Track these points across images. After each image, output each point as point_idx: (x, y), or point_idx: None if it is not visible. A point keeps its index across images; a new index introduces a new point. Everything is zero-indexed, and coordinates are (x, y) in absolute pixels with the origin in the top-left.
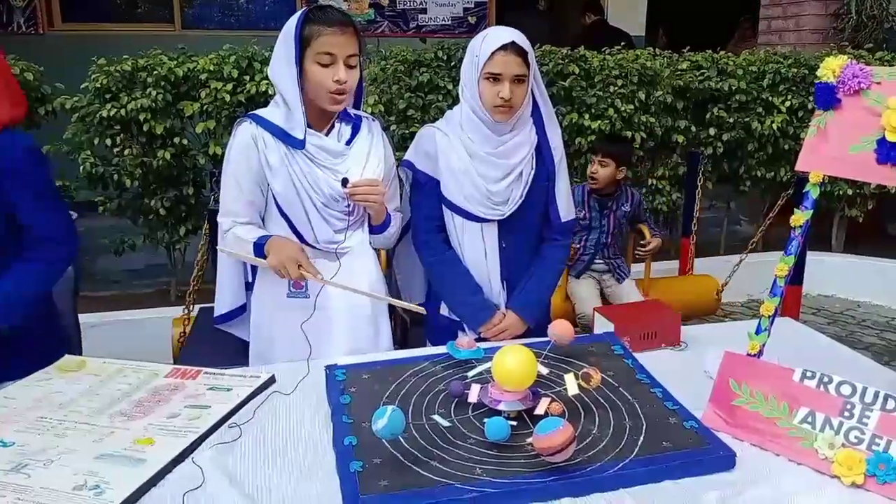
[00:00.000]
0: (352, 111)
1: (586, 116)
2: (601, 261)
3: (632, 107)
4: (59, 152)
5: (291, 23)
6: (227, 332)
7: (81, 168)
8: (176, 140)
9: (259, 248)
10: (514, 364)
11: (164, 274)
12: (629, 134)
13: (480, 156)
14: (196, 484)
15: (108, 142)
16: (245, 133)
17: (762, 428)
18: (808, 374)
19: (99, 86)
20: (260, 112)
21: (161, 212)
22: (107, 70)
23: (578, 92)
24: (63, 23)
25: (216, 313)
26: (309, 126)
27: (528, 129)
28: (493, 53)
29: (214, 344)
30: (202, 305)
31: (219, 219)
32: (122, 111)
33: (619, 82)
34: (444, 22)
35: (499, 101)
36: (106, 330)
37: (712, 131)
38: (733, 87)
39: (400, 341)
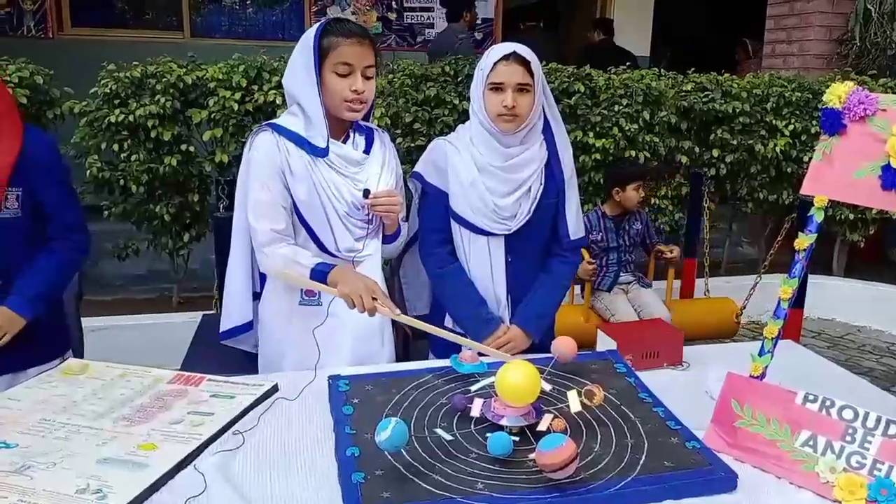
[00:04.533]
0: (363, 123)
1: (591, 135)
2: (626, 273)
3: (636, 126)
4: (66, 156)
5: (310, 33)
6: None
7: (88, 172)
8: (183, 147)
9: (321, 274)
10: (517, 379)
11: (166, 280)
12: (632, 153)
13: (489, 170)
14: (198, 491)
15: (116, 147)
16: (267, 142)
17: (764, 450)
18: (811, 397)
19: (108, 91)
20: (277, 121)
21: (166, 218)
22: (116, 76)
23: (583, 110)
24: (72, 27)
25: (222, 328)
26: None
27: (538, 145)
28: (495, 64)
29: (218, 350)
30: (205, 312)
31: (253, 224)
32: (130, 117)
33: (624, 101)
34: None
35: (502, 109)
36: (108, 334)
37: (716, 152)
38: (737, 110)
39: (401, 354)
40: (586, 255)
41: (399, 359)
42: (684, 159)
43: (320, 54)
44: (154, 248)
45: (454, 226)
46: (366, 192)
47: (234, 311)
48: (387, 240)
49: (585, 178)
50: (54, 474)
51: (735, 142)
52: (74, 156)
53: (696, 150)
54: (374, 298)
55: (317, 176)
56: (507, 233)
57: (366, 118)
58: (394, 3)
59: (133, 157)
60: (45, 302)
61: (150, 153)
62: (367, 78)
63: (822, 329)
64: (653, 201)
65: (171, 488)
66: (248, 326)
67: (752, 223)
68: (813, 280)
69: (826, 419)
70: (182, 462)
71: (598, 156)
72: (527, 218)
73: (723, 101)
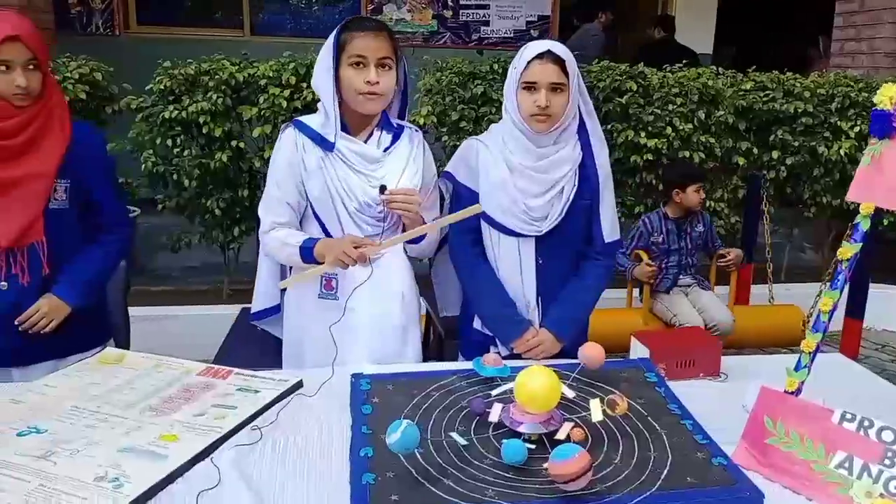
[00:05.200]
0: (395, 121)
1: (642, 134)
2: (686, 275)
3: (691, 126)
4: (122, 150)
5: (332, 33)
6: (265, 332)
7: (143, 167)
8: (233, 143)
9: (307, 251)
10: (536, 386)
11: (218, 272)
12: (687, 154)
13: (520, 170)
14: (212, 484)
15: (169, 142)
16: (288, 138)
17: (796, 470)
18: (848, 416)
19: (163, 87)
20: (302, 118)
21: (217, 212)
22: (171, 73)
23: (635, 109)
24: (138, 25)
25: (252, 310)
26: (347, 132)
27: (571, 145)
28: (529, 63)
29: (252, 343)
30: (244, 306)
31: (260, 214)
32: (184, 113)
33: (679, 100)
34: (505, 35)
35: (535, 109)
36: (156, 323)
37: (775, 154)
38: (799, 110)
39: (436, 354)
40: (645, 257)
41: (434, 359)
42: (742, 161)
43: (338, 50)
44: (206, 241)
45: (484, 226)
46: (382, 188)
47: (262, 293)
48: (411, 240)
49: (637, 178)
50: (76, 461)
51: (796, 143)
52: (131, 150)
53: (755, 151)
54: (356, 247)
55: (329, 172)
56: (537, 234)
57: (401, 116)
58: (449, 1)
59: (186, 153)
60: (90, 290)
61: (203, 149)
62: (383, 68)
63: (886, 342)
64: (708, 204)
65: (186, 479)
66: (276, 310)
67: (816, 228)
68: (875, 290)
69: (864, 440)
70: (199, 455)
71: (649, 156)
72: (558, 219)
73: (784, 101)
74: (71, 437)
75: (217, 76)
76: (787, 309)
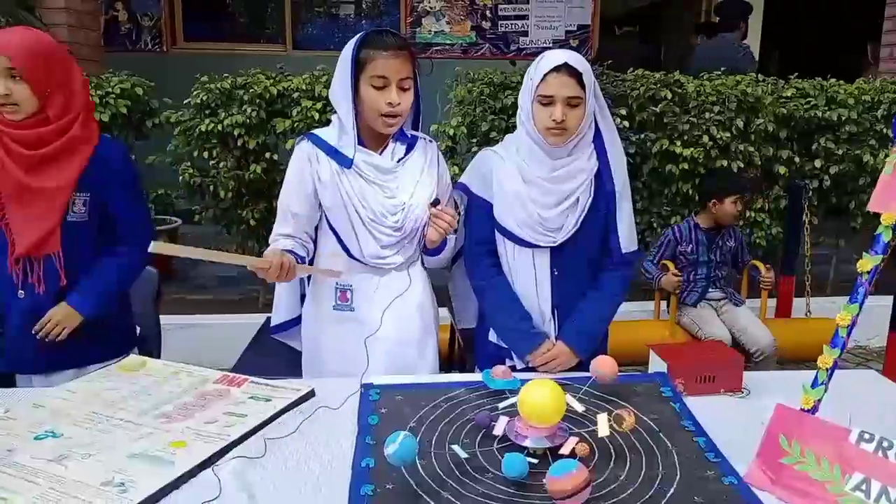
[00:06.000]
0: (408, 131)
1: (678, 143)
2: (715, 289)
3: (728, 134)
4: (162, 163)
5: (349, 46)
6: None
7: (181, 178)
8: (267, 155)
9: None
10: (540, 400)
11: (253, 282)
12: (724, 163)
13: (535, 181)
14: (213, 495)
15: (206, 154)
16: (302, 151)
17: (810, 491)
18: (867, 436)
19: (199, 101)
20: (317, 131)
21: (251, 222)
22: (208, 87)
23: (670, 118)
24: (184, 42)
25: (272, 323)
26: (363, 145)
27: (587, 155)
28: (545, 75)
29: (273, 353)
30: (269, 315)
31: (275, 227)
32: (220, 126)
33: (716, 108)
34: (545, 45)
35: (551, 123)
36: (189, 332)
37: (818, 163)
38: (843, 117)
39: (460, 365)
40: (671, 267)
41: (457, 370)
42: (783, 170)
43: (357, 67)
44: (242, 251)
45: (498, 238)
46: (436, 201)
47: (282, 306)
48: (429, 252)
49: (672, 188)
50: (87, 465)
51: (840, 152)
52: (171, 163)
53: (797, 160)
54: (280, 265)
55: (343, 184)
56: (552, 245)
57: (415, 126)
58: (488, 12)
59: (222, 164)
60: (104, 301)
61: (238, 161)
62: (404, 90)
63: None
64: (748, 214)
65: (189, 488)
66: (296, 321)
67: (864, 239)
68: None
69: (883, 462)
70: (204, 462)
71: (685, 165)
72: (574, 230)
73: (826, 108)
74: (85, 441)
75: (252, 90)
76: (828, 323)
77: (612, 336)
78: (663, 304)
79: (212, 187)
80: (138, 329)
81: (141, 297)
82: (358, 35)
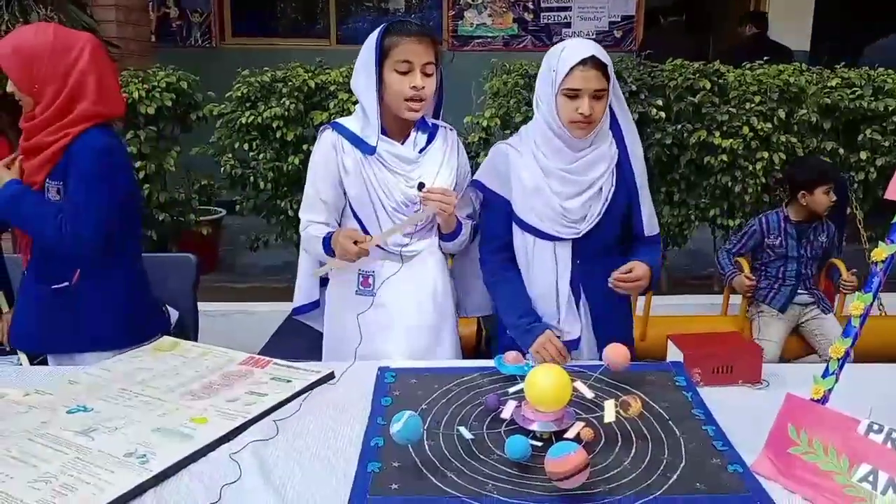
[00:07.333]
0: (429, 120)
1: (716, 134)
2: (804, 292)
3: (770, 125)
4: (205, 154)
5: (373, 35)
6: (310, 327)
7: (223, 170)
8: (305, 147)
9: (326, 241)
10: (546, 384)
11: (294, 270)
12: (765, 154)
13: (554, 172)
14: (233, 478)
15: (247, 146)
16: (326, 140)
17: (817, 482)
18: (875, 427)
19: (240, 94)
20: (341, 120)
21: (290, 213)
22: (248, 80)
23: (708, 108)
24: (233, 37)
25: (293, 305)
26: (386, 134)
27: (607, 144)
28: (571, 69)
29: (299, 336)
30: None
31: (300, 213)
32: (259, 118)
33: (757, 99)
34: (588, 36)
35: (577, 116)
36: (228, 319)
37: (864, 155)
38: (890, 108)
39: (484, 352)
40: (746, 267)
41: (483, 357)
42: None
43: (381, 54)
44: (281, 241)
45: (517, 232)
46: (420, 185)
47: (302, 289)
48: (444, 237)
49: (711, 180)
50: (113, 438)
51: (887, 143)
52: (213, 154)
53: (841, 151)
54: (356, 242)
55: (367, 173)
56: (576, 237)
57: (436, 115)
58: (530, 3)
59: (261, 156)
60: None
61: (277, 152)
62: (427, 75)
63: None
64: None
65: (209, 474)
66: (315, 305)
67: None
68: None
69: (890, 453)
70: (222, 438)
71: (724, 157)
72: (597, 220)
73: (873, 98)
74: (113, 415)
75: (290, 83)
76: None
77: (675, 329)
78: (732, 297)
79: (252, 178)
80: (176, 314)
81: (179, 283)
82: (381, 25)
